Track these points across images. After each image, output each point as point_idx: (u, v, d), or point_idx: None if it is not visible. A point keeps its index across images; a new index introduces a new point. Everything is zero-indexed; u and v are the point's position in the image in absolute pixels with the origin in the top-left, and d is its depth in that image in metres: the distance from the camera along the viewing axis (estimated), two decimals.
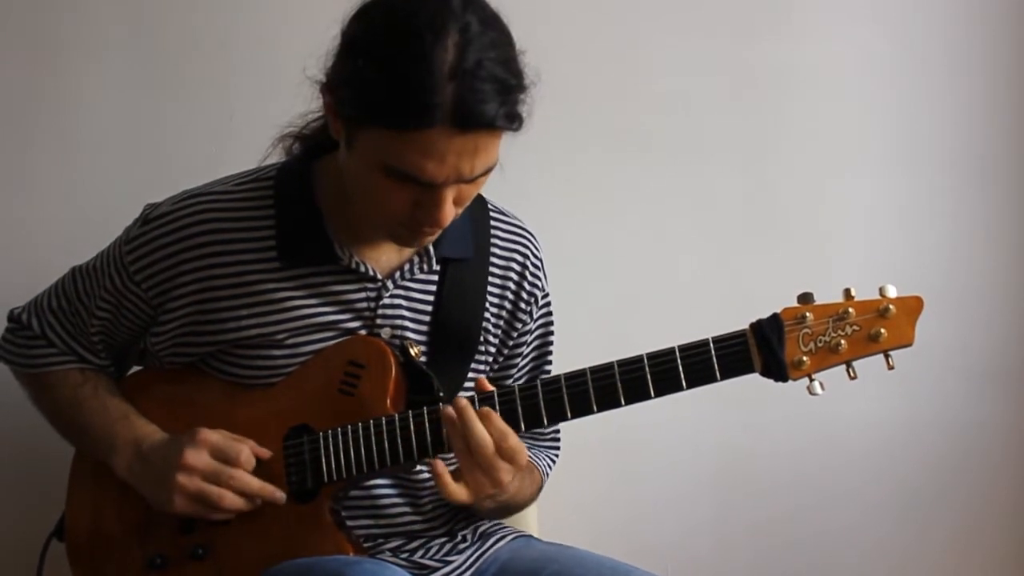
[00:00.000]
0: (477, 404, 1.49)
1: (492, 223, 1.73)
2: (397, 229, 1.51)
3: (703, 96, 2.28)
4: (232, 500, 1.54)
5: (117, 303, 1.65)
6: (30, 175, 2.18)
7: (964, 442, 2.32)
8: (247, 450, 1.55)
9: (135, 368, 1.81)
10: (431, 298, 1.65)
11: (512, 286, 1.73)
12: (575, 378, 1.48)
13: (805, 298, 1.43)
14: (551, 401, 1.48)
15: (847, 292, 1.42)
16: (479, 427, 1.45)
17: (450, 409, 1.47)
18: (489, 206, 1.74)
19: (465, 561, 1.66)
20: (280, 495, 1.55)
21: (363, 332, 1.61)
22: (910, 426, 2.31)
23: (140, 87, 2.19)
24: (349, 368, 1.57)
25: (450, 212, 1.46)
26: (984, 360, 2.32)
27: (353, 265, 1.59)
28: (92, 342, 1.70)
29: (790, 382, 1.42)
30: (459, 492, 1.49)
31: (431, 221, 1.47)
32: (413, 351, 1.57)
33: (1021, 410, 2.33)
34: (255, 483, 1.55)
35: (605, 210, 2.27)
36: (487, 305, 1.69)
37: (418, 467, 1.62)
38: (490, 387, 1.51)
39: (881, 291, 1.41)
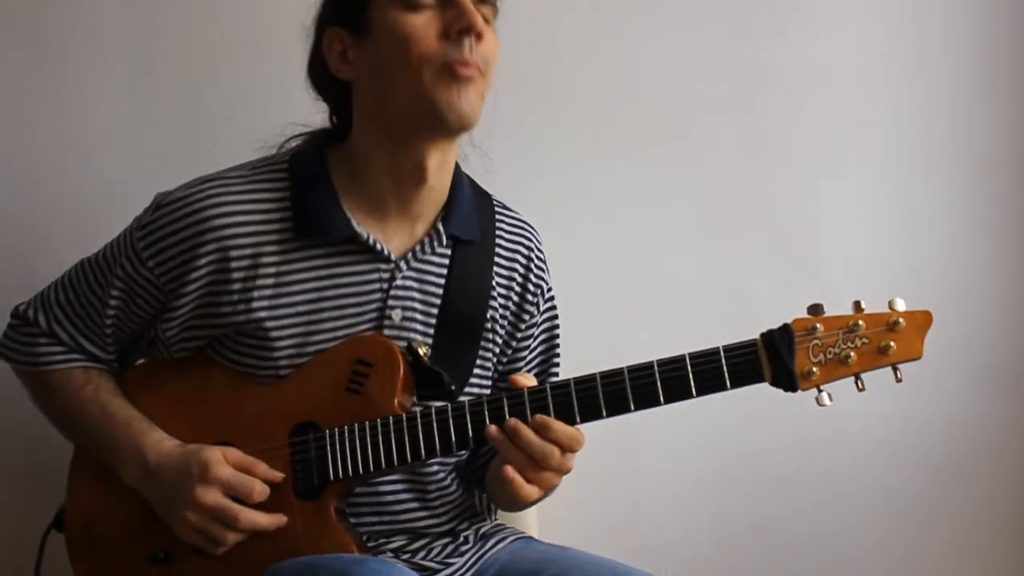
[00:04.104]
0: (506, 406, 1.50)
1: (497, 214, 1.77)
2: (437, 78, 1.53)
3: (703, 96, 2.28)
4: (236, 538, 1.55)
5: (129, 290, 1.65)
6: (30, 175, 2.17)
7: (964, 440, 2.32)
8: (259, 485, 1.55)
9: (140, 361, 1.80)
10: (441, 281, 1.67)
11: (518, 277, 1.76)
12: (585, 383, 1.49)
13: (815, 309, 1.43)
14: (559, 406, 1.49)
15: (856, 304, 1.43)
16: (539, 442, 1.46)
17: (494, 429, 1.48)
18: (494, 200, 1.78)
19: (466, 563, 1.67)
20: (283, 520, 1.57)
21: (374, 314, 1.63)
22: (910, 424, 2.31)
23: (140, 87, 2.18)
24: (357, 367, 1.58)
25: (478, 18, 1.53)
26: (984, 358, 2.32)
27: (371, 242, 1.61)
28: (104, 334, 1.69)
29: (799, 392, 1.43)
30: (533, 492, 1.50)
31: (463, 25, 1.52)
32: (421, 351, 1.58)
33: (1019, 408, 2.34)
34: (262, 520, 1.55)
35: (604, 212, 2.28)
36: (494, 293, 1.72)
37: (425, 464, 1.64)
38: (522, 383, 1.52)
39: (890, 304, 1.42)
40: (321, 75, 1.69)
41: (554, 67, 2.24)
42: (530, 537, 1.79)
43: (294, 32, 1.76)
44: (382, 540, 1.65)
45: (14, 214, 2.17)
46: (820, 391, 1.42)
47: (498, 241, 1.76)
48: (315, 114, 1.76)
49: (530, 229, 1.81)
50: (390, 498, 1.66)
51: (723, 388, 1.45)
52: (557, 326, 1.84)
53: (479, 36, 1.54)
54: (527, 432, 1.47)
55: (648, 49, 2.27)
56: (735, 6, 2.29)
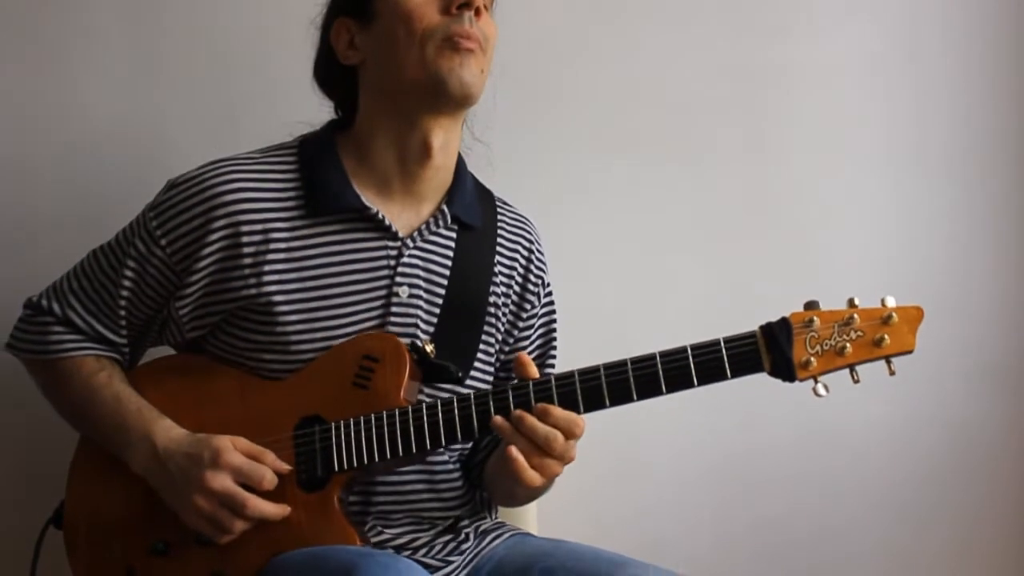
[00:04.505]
0: (511, 398, 1.52)
1: (498, 208, 1.82)
2: (439, 49, 1.60)
3: (703, 96, 2.28)
4: (242, 526, 1.55)
5: (142, 270, 1.67)
6: (30, 175, 2.17)
7: (962, 440, 2.32)
8: (270, 473, 1.56)
9: (145, 359, 1.80)
10: (446, 262, 1.71)
11: (520, 268, 1.81)
12: (588, 374, 1.51)
13: (811, 305, 1.47)
14: (564, 396, 1.51)
15: (850, 301, 1.47)
16: (542, 427, 1.49)
17: (499, 419, 1.51)
18: (495, 196, 1.84)
19: (464, 560, 1.67)
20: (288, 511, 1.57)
21: (383, 291, 1.65)
22: (910, 424, 2.31)
23: (140, 87, 2.19)
24: (364, 362, 1.60)
25: None
26: (984, 358, 2.32)
27: (380, 217, 1.65)
28: (117, 316, 1.69)
29: (796, 383, 1.47)
30: (536, 478, 1.51)
31: (463, 0, 1.60)
32: (428, 348, 1.61)
33: (1019, 408, 2.33)
34: (269, 509, 1.55)
35: (604, 211, 2.28)
36: (496, 280, 1.76)
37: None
38: (530, 371, 1.55)
39: (882, 302, 1.46)
40: (328, 67, 1.74)
41: (554, 67, 2.25)
42: (527, 533, 1.81)
43: (295, 32, 1.79)
44: (386, 534, 1.65)
45: (14, 215, 2.17)
46: (816, 382, 1.45)
47: (500, 232, 1.80)
48: (317, 114, 1.78)
49: (530, 224, 1.87)
50: (397, 478, 1.67)
51: (724, 377, 1.48)
52: (555, 320, 1.88)
53: (478, 13, 1.60)
54: (531, 418, 1.49)
55: (648, 49, 2.28)
56: (735, 6, 2.29)
